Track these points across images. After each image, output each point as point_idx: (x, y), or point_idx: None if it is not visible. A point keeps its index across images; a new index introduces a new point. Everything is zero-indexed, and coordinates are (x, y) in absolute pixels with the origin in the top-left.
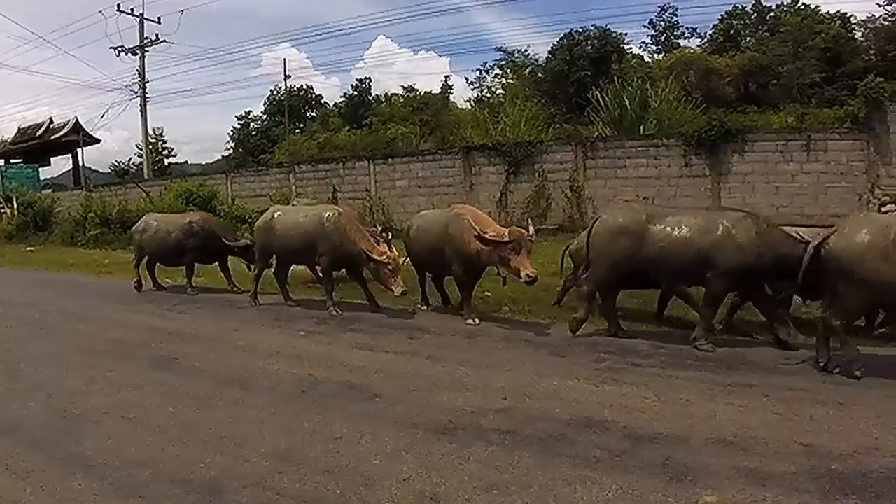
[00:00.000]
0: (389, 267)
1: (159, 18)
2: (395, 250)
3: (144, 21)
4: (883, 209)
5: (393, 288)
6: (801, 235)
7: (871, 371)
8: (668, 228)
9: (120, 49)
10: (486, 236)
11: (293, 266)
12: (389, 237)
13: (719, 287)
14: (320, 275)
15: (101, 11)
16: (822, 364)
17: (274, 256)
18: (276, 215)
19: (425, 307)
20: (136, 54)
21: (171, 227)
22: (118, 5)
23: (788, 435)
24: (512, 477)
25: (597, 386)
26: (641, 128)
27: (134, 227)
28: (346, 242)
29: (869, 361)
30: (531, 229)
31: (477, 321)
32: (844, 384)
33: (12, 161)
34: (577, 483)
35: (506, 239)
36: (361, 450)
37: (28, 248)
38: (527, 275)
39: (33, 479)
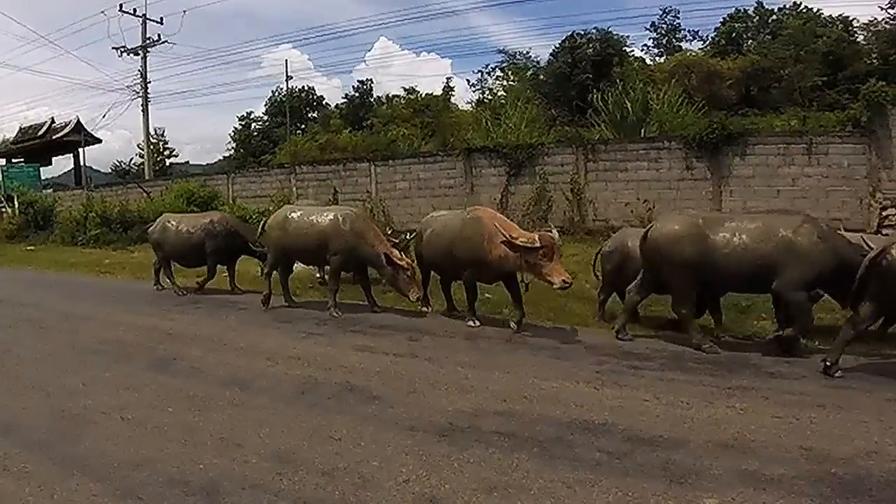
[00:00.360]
0: (408, 272)
1: (161, 19)
2: (406, 255)
3: (147, 21)
4: (884, 213)
5: (409, 294)
6: (866, 242)
7: (872, 375)
8: (729, 235)
9: (122, 49)
10: (517, 242)
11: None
12: (408, 236)
13: (795, 295)
14: (326, 277)
15: (103, 11)
16: (827, 364)
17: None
18: (290, 214)
19: (426, 308)
20: (138, 54)
21: (193, 227)
22: (120, 5)
23: (788, 438)
24: (511, 479)
25: (597, 388)
26: (643, 131)
27: (152, 228)
28: (362, 244)
29: (869, 365)
30: (555, 233)
31: (477, 323)
32: (845, 388)
33: (13, 160)
34: (576, 486)
35: (536, 244)
36: (361, 452)
37: (28, 248)
38: (563, 281)
39: (31, 479)
